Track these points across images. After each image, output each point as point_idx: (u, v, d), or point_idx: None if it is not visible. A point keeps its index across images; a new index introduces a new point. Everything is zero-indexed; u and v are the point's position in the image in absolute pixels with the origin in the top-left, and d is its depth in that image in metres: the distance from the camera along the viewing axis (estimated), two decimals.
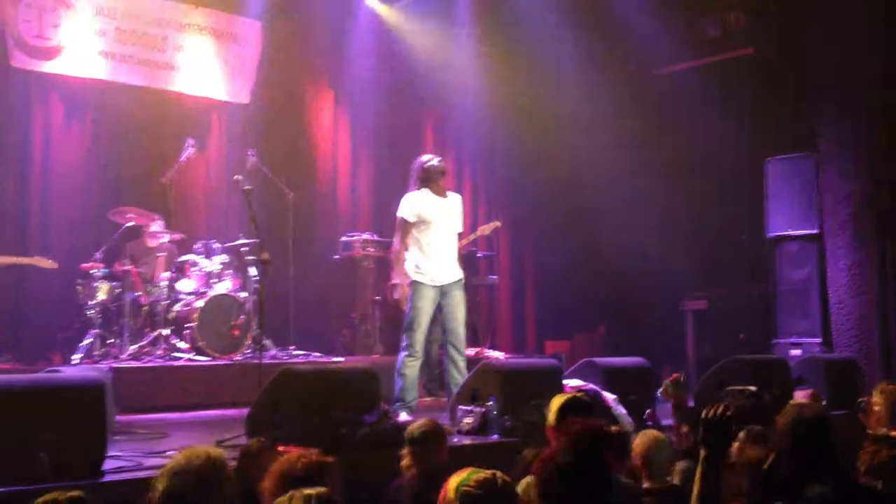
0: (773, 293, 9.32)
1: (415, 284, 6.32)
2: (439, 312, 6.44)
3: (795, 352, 8.81)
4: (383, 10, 11.08)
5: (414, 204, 6.39)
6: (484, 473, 2.76)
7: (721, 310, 10.11)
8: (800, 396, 6.63)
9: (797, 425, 3.35)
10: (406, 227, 6.40)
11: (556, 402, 4.05)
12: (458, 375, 6.24)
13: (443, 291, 6.38)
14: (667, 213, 10.60)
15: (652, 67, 11.12)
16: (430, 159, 6.56)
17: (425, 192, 6.43)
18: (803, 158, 9.15)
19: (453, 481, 2.74)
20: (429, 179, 6.43)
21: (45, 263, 7.75)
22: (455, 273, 6.48)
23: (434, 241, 6.38)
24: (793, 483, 3.17)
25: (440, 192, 6.47)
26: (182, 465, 2.80)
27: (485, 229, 8.61)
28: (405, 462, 4.06)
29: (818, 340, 8.78)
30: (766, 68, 10.04)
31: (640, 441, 4.21)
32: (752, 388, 6.52)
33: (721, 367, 6.99)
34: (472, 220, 11.58)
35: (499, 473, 2.79)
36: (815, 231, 8.96)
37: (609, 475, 2.69)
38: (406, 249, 6.44)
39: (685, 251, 10.31)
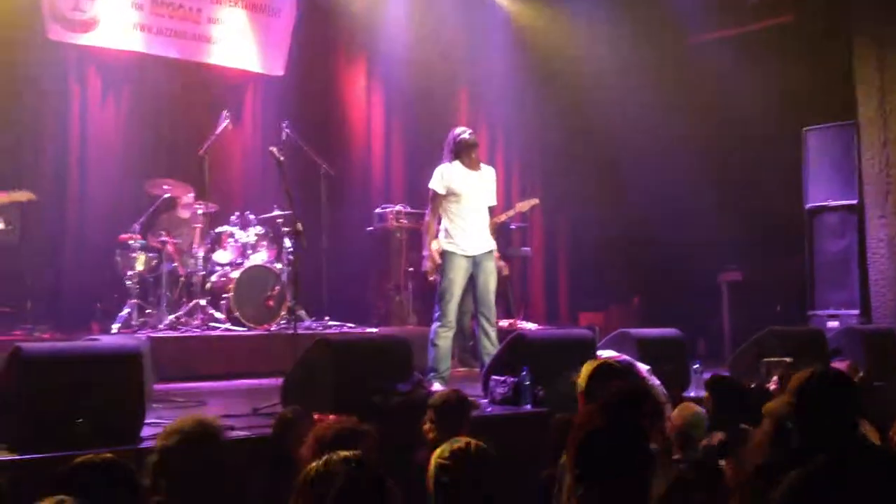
0: (810, 265, 9.21)
1: (447, 255, 6.33)
2: (472, 283, 6.44)
3: (833, 324, 8.73)
4: None
5: (445, 176, 6.40)
6: (458, 443, 2.80)
7: (757, 282, 10.03)
8: (838, 368, 6.57)
9: (805, 389, 3.24)
10: (437, 198, 6.41)
11: (588, 367, 4.04)
12: (490, 346, 6.26)
13: (475, 262, 6.39)
14: (703, 184, 10.48)
15: (689, 35, 10.97)
16: (463, 132, 6.54)
17: (457, 165, 6.42)
18: (843, 127, 9.01)
19: (433, 456, 2.78)
20: (461, 152, 6.42)
21: (22, 196, 7.61)
22: (487, 244, 6.49)
23: (465, 213, 6.38)
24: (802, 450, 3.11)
25: (472, 165, 6.45)
26: (174, 427, 2.95)
27: (523, 206, 8.60)
28: (426, 427, 4.08)
29: (856, 312, 8.69)
30: (806, 36, 9.87)
31: (677, 413, 4.21)
32: (789, 359, 6.49)
33: (757, 340, 6.96)
34: (505, 192, 11.53)
35: (473, 441, 2.82)
36: (854, 202, 8.84)
37: (644, 440, 2.69)
38: (438, 221, 6.45)
39: (721, 222, 10.21)
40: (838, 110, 9.14)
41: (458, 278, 6.31)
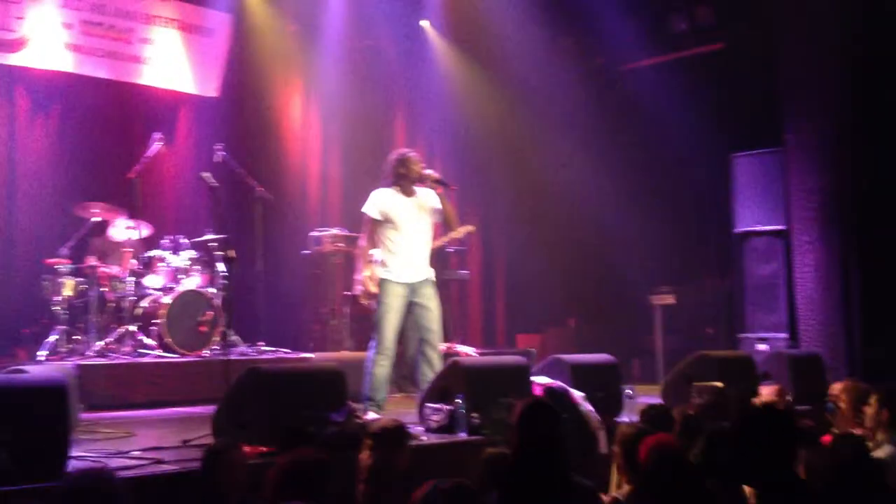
0: (740, 288, 9.39)
1: (383, 282, 6.28)
2: (411, 310, 6.40)
3: (762, 346, 8.91)
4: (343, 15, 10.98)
5: (378, 201, 6.35)
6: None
7: (689, 304, 10.20)
8: (765, 392, 6.70)
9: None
10: (372, 224, 6.36)
11: (519, 406, 4.00)
12: (431, 373, 6.21)
13: (412, 289, 6.34)
14: (635, 209, 10.64)
15: (619, 63, 11.17)
16: (402, 158, 6.39)
17: (393, 190, 6.37)
18: (770, 154, 9.22)
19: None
20: (398, 177, 6.36)
21: None
22: (424, 271, 6.44)
23: (401, 239, 6.32)
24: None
25: (408, 191, 6.38)
26: None
27: (458, 232, 8.58)
28: (362, 456, 4.03)
29: (785, 336, 8.87)
30: (734, 64, 10.11)
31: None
32: (719, 384, 6.59)
33: (688, 363, 7.05)
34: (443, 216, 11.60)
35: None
36: (782, 227, 9.04)
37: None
38: (373, 247, 6.41)
39: (653, 246, 10.38)
40: (767, 136, 9.35)
41: (394, 304, 6.26)
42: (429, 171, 6.38)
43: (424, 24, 11.45)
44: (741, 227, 9.41)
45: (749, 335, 9.20)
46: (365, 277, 6.32)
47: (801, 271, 8.69)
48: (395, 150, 6.65)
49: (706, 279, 10.44)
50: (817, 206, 8.64)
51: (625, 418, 6.12)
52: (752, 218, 9.31)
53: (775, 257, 9.11)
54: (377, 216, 6.32)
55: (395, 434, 4.10)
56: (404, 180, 6.32)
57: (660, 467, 3.27)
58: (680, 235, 10.47)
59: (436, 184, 6.34)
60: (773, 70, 9.21)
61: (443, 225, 6.90)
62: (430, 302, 6.37)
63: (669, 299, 10.27)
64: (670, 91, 10.24)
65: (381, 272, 6.29)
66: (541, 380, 5.96)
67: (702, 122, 9.94)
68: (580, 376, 6.16)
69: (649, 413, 4.73)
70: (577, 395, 5.77)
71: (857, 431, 4.91)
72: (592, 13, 10.41)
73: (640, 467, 3.50)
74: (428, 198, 6.43)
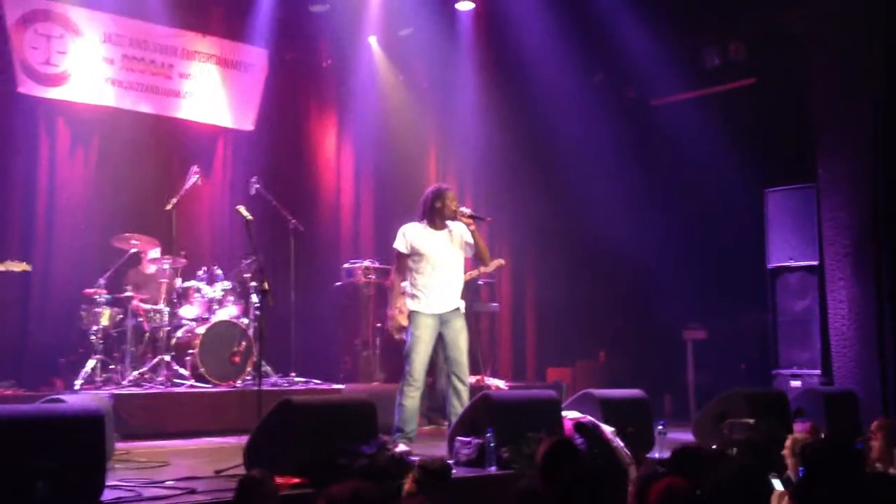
0: (773, 324, 9.32)
1: (412, 314, 6.33)
2: (441, 342, 6.44)
3: (796, 383, 8.82)
4: (377, 51, 11.15)
5: (407, 235, 6.40)
6: None
7: (721, 339, 10.15)
8: (798, 430, 6.64)
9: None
10: (401, 258, 6.43)
11: (544, 445, 4.02)
12: (459, 405, 6.23)
13: (442, 320, 6.38)
14: (667, 243, 10.64)
15: (652, 98, 11.20)
16: (439, 190, 6.44)
17: (422, 225, 6.42)
18: (803, 189, 9.19)
19: None
20: (432, 211, 6.41)
21: (18, 267, 7.60)
22: (454, 302, 6.48)
23: (431, 272, 6.36)
24: None
25: (439, 226, 6.43)
26: None
27: (489, 266, 8.60)
28: (408, 487, 4.06)
29: (818, 372, 8.77)
30: (767, 99, 10.11)
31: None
32: (751, 420, 6.55)
33: (720, 400, 7.01)
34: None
35: None
36: (815, 262, 8.98)
37: None
38: (403, 280, 6.46)
39: (686, 280, 10.34)
40: (800, 171, 9.32)
41: (424, 336, 6.30)
42: (463, 209, 6.44)
43: (456, 59, 11.58)
44: (774, 263, 9.36)
45: (782, 371, 9.12)
46: (395, 311, 6.37)
47: (835, 307, 8.61)
48: (433, 185, 6.73)
49: (739, 314, 10.38)
50: (850, 242, 8.57)
51: (656, 454, 6.10)
52: (786, 253, 9.26)
53: (809, 293, 9.04)
54: (406, 251, 6.38)
55: (443, 473, 4.12)
56: (437, 215, 6.37)
57: None
58: (712, 270, 10.42)
59: (470, 219, 6.39)
60: (805, 104, 9.19)
61: (475, 259, 6.94)
62: (460, 334, 6.41)
63: (702, 334, 10.22)
64: (703, 126, 10.26)
65: (410, 304, 6.34)
66: (571, 414, 5.96)
67: (734, 157, 9.93)
68: (610, 411, 6.15)
69: (679, 455, 4.63)
70: (608, 430, 5.76)
71: (892, 471, 4.86)
72: (625, 48, 10.46)
73: None
74: (459, 231, 6.46)
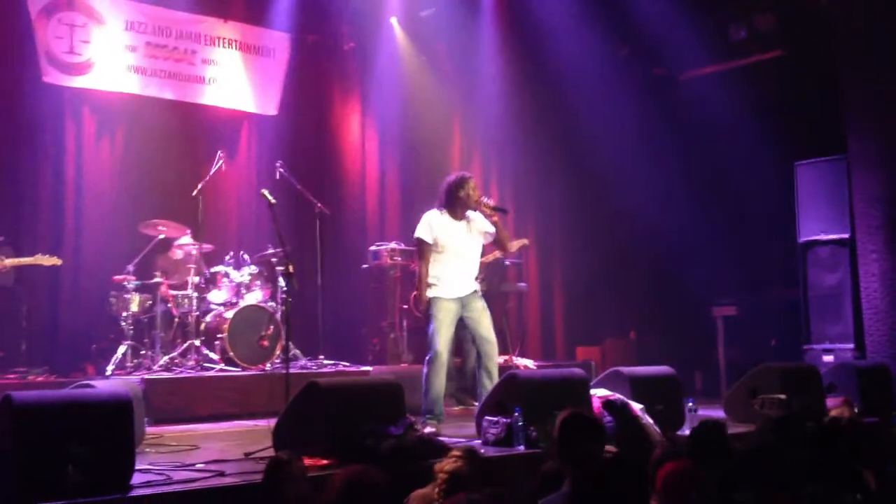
0: (804, 298, 9.22)
1: (433, 301, 6.33)
2: (464, 324, 6.43)
3: (828, 358, 8.74)
4: (399, 32, 11.10)
5: (431, 225, 6.38)
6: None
7: (751, 315, 10.04)
8: (831, 404, 6.58)
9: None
10: (426, 246, 6.40)
11: (560, 416, 3.98)
12: (490, 383, 6.24)
13: (462, 303, 6.38)
14: (696, 218, 10.54)
15: (679, 72, 11.07)
16: (462, 179, 6.41)
17: (443, 213, 6.41)
18: (834, 161, 9.06)
19: None
20: (455, 199, 6.39)
21: (48, 261, 7.68)
22: (471, 285, 6.49)
23: (449, 261, 6.37)
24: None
25: (459, 215, 6.40)
26: None
27: (512, 245, 8.55)
28: (444, 465, 4.01)
29: (851, 346, 8.68)
30: (795, 71, 9.96)
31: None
32: (783, 396, 6.50)
33: (752, 375, 6.96)
34: None
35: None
36: (846, 235, 8.87)
37: None
38: (426, 267, 6.41)
39: (715, 256, 10.25)
40: (829, 143, 9.19)
41: (446, 320, 6.30)
42: (485, 199, 6.43)
43: (479, 38, 11.50)
44: (805, 237, 9.25)
45: (814, 346, 9.03)
46: (424, 295, 6.36)
47: (867, 280, 8.49)
48: (456, 173, 6.67)
49: (769, 289, 10.27)
50: (882, 214, 8.45)
51: (686, 432, 6.05)
52: (816, 227, 9.15)
53: (840, 266, 8.93)
54: (430, 240, 6.36)
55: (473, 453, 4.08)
56: (459, 204, 6.37)
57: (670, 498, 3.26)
58: (742, 245, 10.33)
59: (493, 211, 6.38)
60: (834, 76, 9.04)
61: (494, 245, 6.91)
62: (483, 313, 6.44)
63: (731, 310, 10.13)
64: (730, 99, 10.13)
65: (430, 291, 6.33)
66: (600, 392, 5.93)
67: (763, 130, 9.82)
68: (640, 389, 6.11)
69: (700, 430, 4.52)
70: (637, 407, 5.72)
71: None
72: (650, 22, 10.34)
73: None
74: (478, 221, 6.48)
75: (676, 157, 10.74)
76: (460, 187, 6.37)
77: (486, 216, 6.42)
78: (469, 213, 6.44)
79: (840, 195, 8.95)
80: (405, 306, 9.47)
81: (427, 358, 6.33)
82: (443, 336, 6.27)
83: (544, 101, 11.34)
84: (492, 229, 6.46)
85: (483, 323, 6.43)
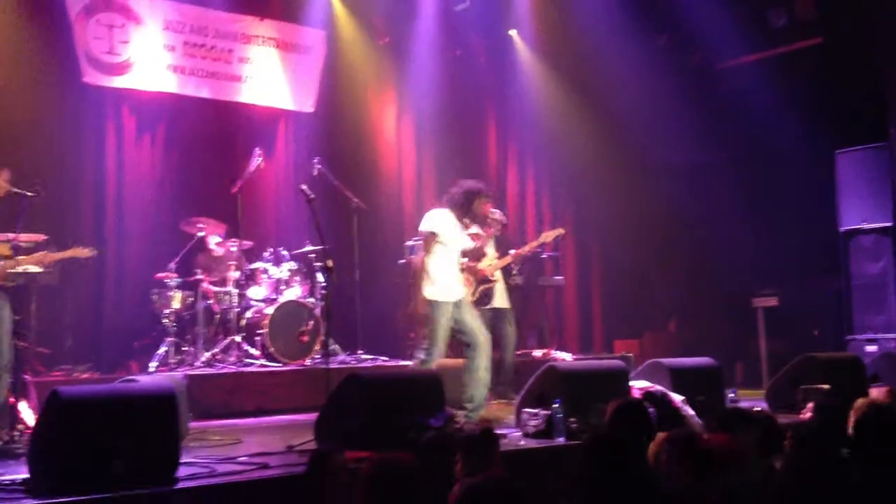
0: (847, 288, 9.10)
1: (435, 303, 6.27)
2: (460, 325, 6.40)
3: (871, 348, 8.63)
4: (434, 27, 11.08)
5: (436, 221, 6.38)
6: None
7: (793, 306, 9.93)
8: (875, 394, 6.49)
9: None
10: (432, 239, 6.35)
11: (612, 405, 3.98)
12: (473, 384, 6.27)
13: (456, 306, 6.37)
14: (736, 208, 10.43)
15: (717, 60, 10.95)
16: (478, 191, 6.45)
17: (450, 214, 6.41)
18: (875, 149, 8.93)
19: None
20: (464, 209, 6.39)
21: (83, 252, 7.72)
22: (462, 289, 6.56)
23: (449, 261, 6.39)
24: None
25: (465, 223, 6.47)
26: None
27: (548, 235, 8.50)
28: (458, 468, 4.03)
29: (894, 336, 8.56)
30: (836, 58, 9.81)
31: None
32: (826, 386, 6.43)
33: (794, 366, 6.89)
34: (536, 221, 11.59)
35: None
36: (889, 224, 8.74)
37: None
38: (430, 260, 6.35)
39: (756, 246, 10.14)
40: (871, 131, 9.05)
41: (444, 323, 6.27)
42: (495, 214, 6.50)
43: (513, 33, 11.46)
44: (846, 225, 9.13)
45: (857, 336, 8.92)
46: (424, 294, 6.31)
47: None
48: (476, 182, 6.65)
49: (811, 279, 10.14)
50: None
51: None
52: (858, 215, 9.02)
53: (883, 255, 8.81)
54: (438, 232, 6.35)
55: (483, 440, 4.07)
56: (468, 215, 6.41)
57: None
58: (783, 235, 10.20)
59: (501, 227, 6.50)
60: (875, 63, 8.90)
61: (464, 254, 6.94)
62: (475, 318, 6.46)
63: (773, 301, 10.02)
64: (770, 88, 10.01)
65: (431, 292, 6.27)
66: (639, 384, 5.91)
67: (803, 119, 9.67)
68: (680, 380, 6.08)
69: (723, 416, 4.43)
70: (677, 398, 5.69)
71: None
72: (688, 10, 10.23)
73: None
74: (467, 234, 6.61)
75: (717, 146, 10.62)
76: (476, 198, 6.42)
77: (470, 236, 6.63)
78: (468, 222, 6.52)
79: (882, 183, 8.83)
80: None
81: (423, 354, 6.30)
82: (441, 340, 6.27)
83: (582, 91, 11.26)
84: (471, 244, 6.67)
85: (475, 325, 6.44)
